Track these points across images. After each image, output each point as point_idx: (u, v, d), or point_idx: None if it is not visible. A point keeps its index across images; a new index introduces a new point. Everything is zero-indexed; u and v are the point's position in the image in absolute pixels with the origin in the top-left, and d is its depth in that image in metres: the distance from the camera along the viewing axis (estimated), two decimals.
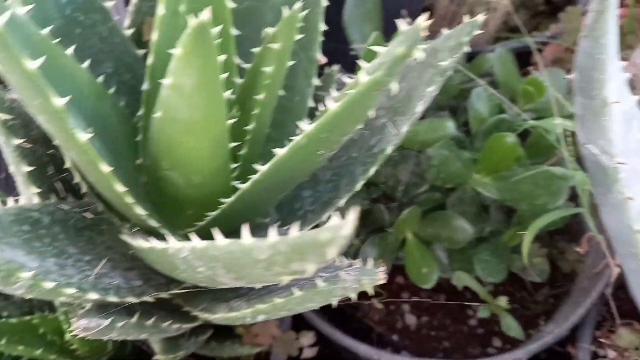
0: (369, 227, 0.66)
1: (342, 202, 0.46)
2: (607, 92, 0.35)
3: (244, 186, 0.37)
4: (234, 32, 0.41)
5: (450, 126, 0.55)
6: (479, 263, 0.62)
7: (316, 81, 0.49)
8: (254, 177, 0.36)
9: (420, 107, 0.43)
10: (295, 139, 0.34)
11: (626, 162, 0.37)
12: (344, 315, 0.72)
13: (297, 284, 0.36)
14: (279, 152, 0.35)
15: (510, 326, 0.61)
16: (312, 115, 0.52)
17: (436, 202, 0.63)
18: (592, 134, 0.37)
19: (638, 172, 0.40)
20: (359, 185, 0.46)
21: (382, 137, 0.45)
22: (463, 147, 0.64)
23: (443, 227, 0.61)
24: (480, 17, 0.41)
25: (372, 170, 0.45)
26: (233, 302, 0.41)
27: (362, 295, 0.69)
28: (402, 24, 0.33)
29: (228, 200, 0.38)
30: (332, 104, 0.32)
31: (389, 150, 0.45)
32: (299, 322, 0.63)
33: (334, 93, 0.50)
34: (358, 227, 0.68)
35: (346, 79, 0.50)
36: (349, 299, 0.72)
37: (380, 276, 0.34)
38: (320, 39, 0.47)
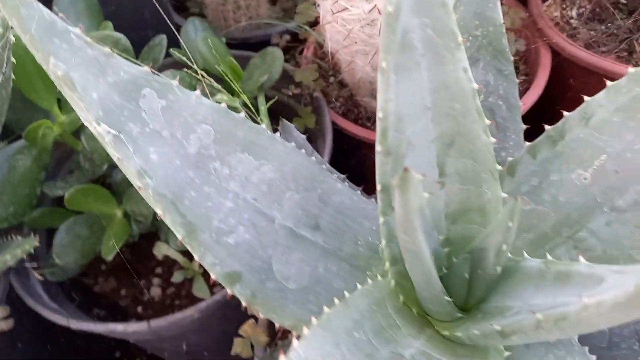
0: None
1: None
2: None
3: None
4: None
5: None
6: None
7: None
8: None
9: None
10: None
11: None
12: (92, 294, 0.77)
13: None
14: None
15: (200, 288, 0.66)
16: None
17: None
18: None
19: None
20: None
21: None
22: None
23: (135, 204, 0.66)
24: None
25: None
26: None
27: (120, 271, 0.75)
28: None
29: None
30: None
31: None
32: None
33: None
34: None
35: None
36: (93, 275, 0.78)
37: None
38: None
